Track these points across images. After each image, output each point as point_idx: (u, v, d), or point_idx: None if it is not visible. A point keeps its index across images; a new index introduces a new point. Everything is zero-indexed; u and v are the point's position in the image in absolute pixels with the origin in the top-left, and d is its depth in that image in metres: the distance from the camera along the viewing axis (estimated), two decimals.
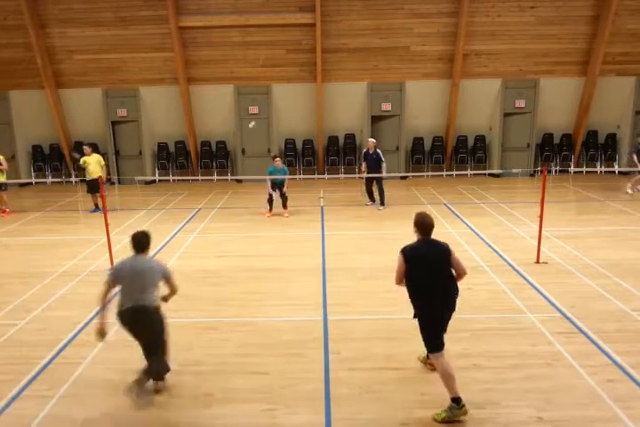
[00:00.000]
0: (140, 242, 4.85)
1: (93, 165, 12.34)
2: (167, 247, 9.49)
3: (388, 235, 10.13)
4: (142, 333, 4.68)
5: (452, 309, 4.66)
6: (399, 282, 4.73)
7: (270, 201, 11.91)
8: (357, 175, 15.32)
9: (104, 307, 4.63)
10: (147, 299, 4.58)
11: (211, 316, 6.52)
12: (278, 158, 11.95)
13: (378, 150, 12.20)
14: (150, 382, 4.71)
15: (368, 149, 12.33)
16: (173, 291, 4.94)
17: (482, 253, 8.73)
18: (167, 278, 4.83)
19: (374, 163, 12.17)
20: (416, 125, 16.65)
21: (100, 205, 12.09)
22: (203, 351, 5.61)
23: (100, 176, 11.77)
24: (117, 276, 4.67)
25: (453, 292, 4.65)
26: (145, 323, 4.63)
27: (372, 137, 13.76)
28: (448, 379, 4.40)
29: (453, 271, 4.67)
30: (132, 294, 4.58)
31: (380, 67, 16.01)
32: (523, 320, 6.18)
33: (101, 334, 4.66)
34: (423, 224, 4.71)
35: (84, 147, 12.67)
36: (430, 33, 15.51)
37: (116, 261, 5.14)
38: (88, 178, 12.32)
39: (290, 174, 12.47)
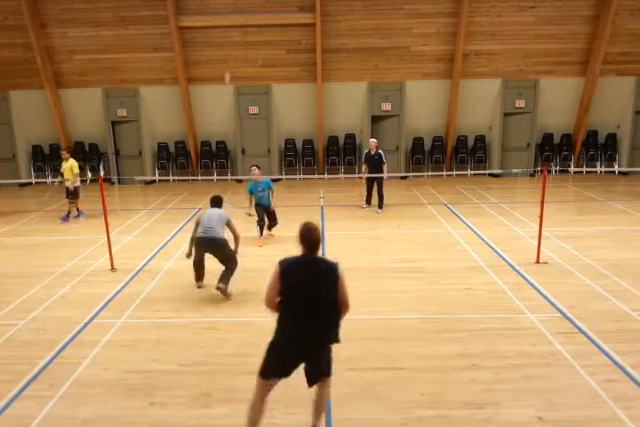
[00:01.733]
0: (218, 200, 7.46)
1: (66, 171, 11.77)
2: (167, 247, 9.48)
3: (387, 235, 10.13)
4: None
5: (323, 344, 3.88)
6: (270, 303, 3.87)
7: (261, 225, 9.82)
8: (357, 175, 15.31)
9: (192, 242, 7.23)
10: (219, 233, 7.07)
11: (211, 316, 6.52)
12: (254, 168, 9.83)
13: (380, 151, 11.93)
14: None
15: (369, 150, 12.00)
16: (236, 236, 7.23)
17: (482, 253, 8.73)
18: (228, 224, 7.20)
19: (376, 164, 11.82)
20: (416, 125, 16.65)
21: (77, 215, 11.95)
22: (203, 351, 5.60)
23: (69, 187, 11.59)
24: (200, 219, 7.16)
25: (332, 325, 3.86)
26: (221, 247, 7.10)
27: (372, 137, 13.58)
28: (257, 414, 3.95)
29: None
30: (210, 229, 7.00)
31: (380, 67, 16.01)
32: (523, 320, 6.18)
33: (189, 256, 7.37)
34: (308, 238, 3.85)
35: (62, 151, 12.09)
36: (430, 33, 15.51)
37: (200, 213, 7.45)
38: (65, 184, 11.78)
39: (288, 174, 11.53)
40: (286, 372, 3.94)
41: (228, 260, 7.12)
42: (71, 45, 15.69)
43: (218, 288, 6.92)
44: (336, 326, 3.91)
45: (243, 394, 4.78)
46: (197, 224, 7.14)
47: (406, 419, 4.38)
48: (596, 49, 15.30)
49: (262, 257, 8.86)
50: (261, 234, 9.90)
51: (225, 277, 7.01)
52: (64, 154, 11.89)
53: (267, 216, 10.00)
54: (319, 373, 4.02)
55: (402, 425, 4.31)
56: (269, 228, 10.15)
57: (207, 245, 7.01)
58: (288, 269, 3.82)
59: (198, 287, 7.45)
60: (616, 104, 16.28)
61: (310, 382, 4.03)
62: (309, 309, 3.78)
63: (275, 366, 3.92)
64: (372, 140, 12.26)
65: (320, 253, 3.99)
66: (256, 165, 10.06)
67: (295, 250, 3.99)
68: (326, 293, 3.78)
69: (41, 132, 16.93)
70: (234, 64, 15.96)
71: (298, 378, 5.02)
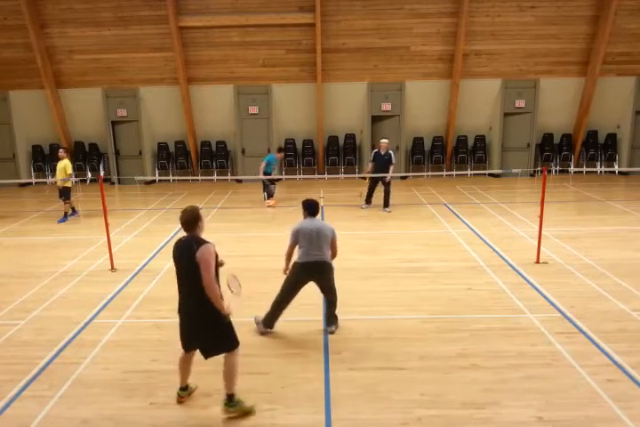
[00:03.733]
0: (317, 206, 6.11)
1: (59, 171, 11.72)
2: (167, 247, 9.48)
3: (388, 235, 10.14)
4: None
5: (189, 315, 4.35)
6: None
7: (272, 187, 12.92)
8: (358, 175, 15.28)
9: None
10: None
11: None
12: (282, 153, 13.42)
13: (390, 151, 11.94)
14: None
15: (379, 150, 11.95)
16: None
17: (482, 253, 8.73)
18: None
19: (384, 164, 11.81)
20: (416, 125, 16.66)
21: (70, 214, 11.94)
22: None
23: (65, 187, 11.60)
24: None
25: (193, 306, 4.27)
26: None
27: (385, 138, 12.91)
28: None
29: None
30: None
31: (379, 67, 16.02)
32: (523, 320, 6.18)
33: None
34: (180, 220, 4.35)
35: (60, 149, 11.99)
36: (430, 33, 15.52)
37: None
38: (58, 183, 11.79)
39: (288, 174, 13.27)
40: (184, 343, 4.52)
41: (331, 290, 5.97)
42: (71, 45, 15.71)
43: (331, 332, 5.97)
44: (195, 297, 4.22)
45: (243, 394, 4.78)
46: (296, 241, 5.89)
47: (406, 419, 4.38)
48: (596, 49, 15.31)
49: (264, 257, 8.86)
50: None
51: (333, 317, 6.05)
52: (61, 152, 11.82)
53: (272, 185, 12.96)
54: (199, 345, 4.44)
55: (402, 425, 4.31)
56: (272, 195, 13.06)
57: (314, 271, 5.85)
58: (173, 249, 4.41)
59: (261, 333, 6.01)
60: (616, 104, 16.29)
61: (203, 354, 4.48)
62: (184, 285, 4.33)
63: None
64: (384, 140, 12.13)
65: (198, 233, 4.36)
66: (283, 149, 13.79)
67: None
68: (190, 271, 4.18)
69: (41, 132, 16.95)
70: (234, 64, 15.98)
71: (298, 378, 5.03)
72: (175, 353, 5.55)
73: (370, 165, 12.20)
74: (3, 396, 4.80)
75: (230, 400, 4.43)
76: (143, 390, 4.87)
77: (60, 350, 5.68)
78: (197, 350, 4.52)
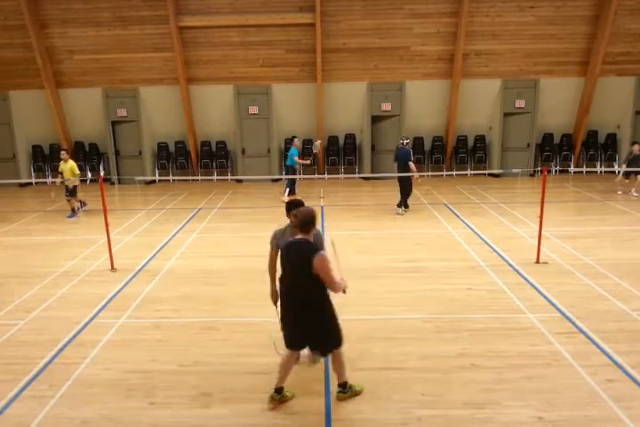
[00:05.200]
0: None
1: (67, 173, 11.84)
2: (167, 247, 9.49)
3: (388, 235, 10.14)
4: None
5: (306, 318, 4.38)
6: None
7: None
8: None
9: None
10: None
11: (211, 316, 6.52)
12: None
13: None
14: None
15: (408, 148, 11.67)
16: None
17: (482, 253, 8.73)
18: None
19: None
20: (416, 125, 16.65)
21: (78, 209, 12.08)
22: (203, 351, 5.60)
23: (75, 186, 11.77)
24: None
25: (310, 301, 4.34)
26: None
27: (407, 138, 12.72)
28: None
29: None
30: None
31: (380, 67, 16.02)
32: (523, 320, 6.18)
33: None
34: (300, 219, 4.38)
35: (62, 151, 12.06)
36: (430, 33, 15.51)
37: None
38: (66, 183, 11.88)
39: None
40: (294, 342, 4.69)
41: None
42: (71, 45, 15.70)
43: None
44: (306, 300, 4.40)
45: (243, 394, 4.79)
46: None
47: (406, 419, 4.38)
48: (596, 49, 15.31)
49: (264, 257, 8.83)
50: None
51: None
52: (63, 155, 11.88)
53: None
54: (314, 344, 4.59)
55: (402, 425, 4.31)
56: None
57: None
58: (280, 242, 4.67)
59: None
60: (616, 104, 16.28)
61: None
62: (295, 281, 4.42)
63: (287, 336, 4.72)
64: (408, 139, 12.12)
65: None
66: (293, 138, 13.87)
67: None
68: (305, 270, 4.25)
69: (41, 132, 16.95)
70: (234, 64, 15.98)
71: (298, 378, 5.03)
72: (175, 353, 5.58)
73: (413, 166, 11.85)
74: (3, 396, 4.80)
75: (344, 388, 4.66)
76: (143, 390, 4.87)
77: (60, 350, 5.68)
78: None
